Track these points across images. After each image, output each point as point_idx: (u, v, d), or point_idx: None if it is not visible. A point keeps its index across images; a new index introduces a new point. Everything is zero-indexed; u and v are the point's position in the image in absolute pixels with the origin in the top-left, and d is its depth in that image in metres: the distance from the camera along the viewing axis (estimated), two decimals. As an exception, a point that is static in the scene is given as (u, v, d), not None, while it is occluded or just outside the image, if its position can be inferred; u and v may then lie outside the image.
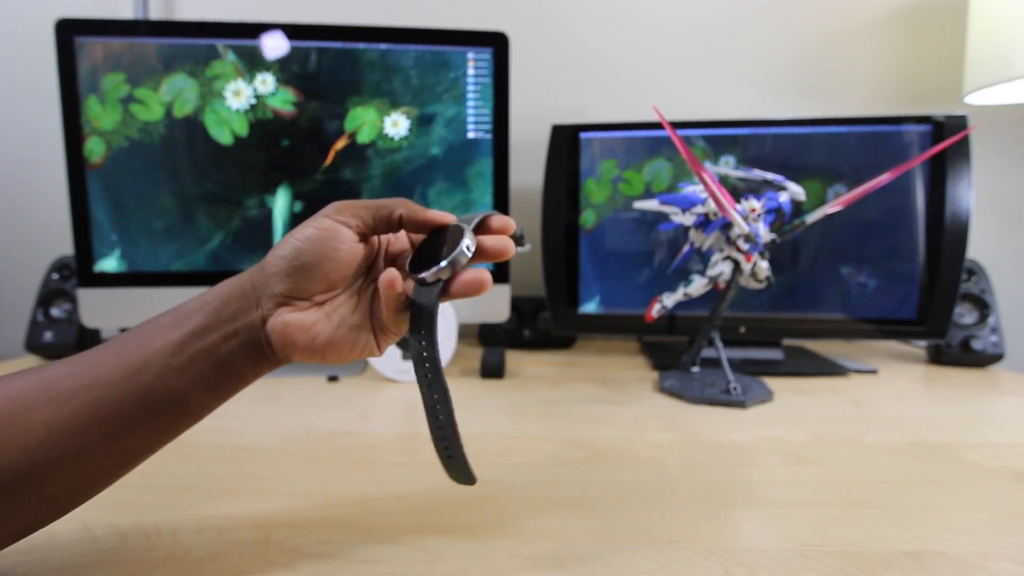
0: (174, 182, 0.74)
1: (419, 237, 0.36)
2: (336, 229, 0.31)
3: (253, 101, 0.74)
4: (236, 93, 0.74)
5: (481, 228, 0.33)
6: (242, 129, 0.74)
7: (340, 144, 0.75)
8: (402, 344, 0.71)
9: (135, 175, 0.73)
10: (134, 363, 0.29)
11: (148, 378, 0.28)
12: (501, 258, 0.33)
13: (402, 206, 0.32)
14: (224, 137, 0.74)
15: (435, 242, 0.32)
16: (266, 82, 0.74)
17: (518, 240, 0.35)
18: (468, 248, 0.31)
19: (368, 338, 0.33)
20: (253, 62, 0.73)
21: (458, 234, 0.31)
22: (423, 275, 0.31)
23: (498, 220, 0.34)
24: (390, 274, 0.30)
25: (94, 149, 0.72)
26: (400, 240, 0.36)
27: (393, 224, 0.33)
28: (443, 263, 0.30)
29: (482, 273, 0.32)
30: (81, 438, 0.27)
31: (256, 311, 0.31)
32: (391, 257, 0.36)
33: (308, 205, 0.76)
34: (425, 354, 0.30)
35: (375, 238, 0.34)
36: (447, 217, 0.33)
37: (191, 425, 0.31)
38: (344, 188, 0.76)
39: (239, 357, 0.31)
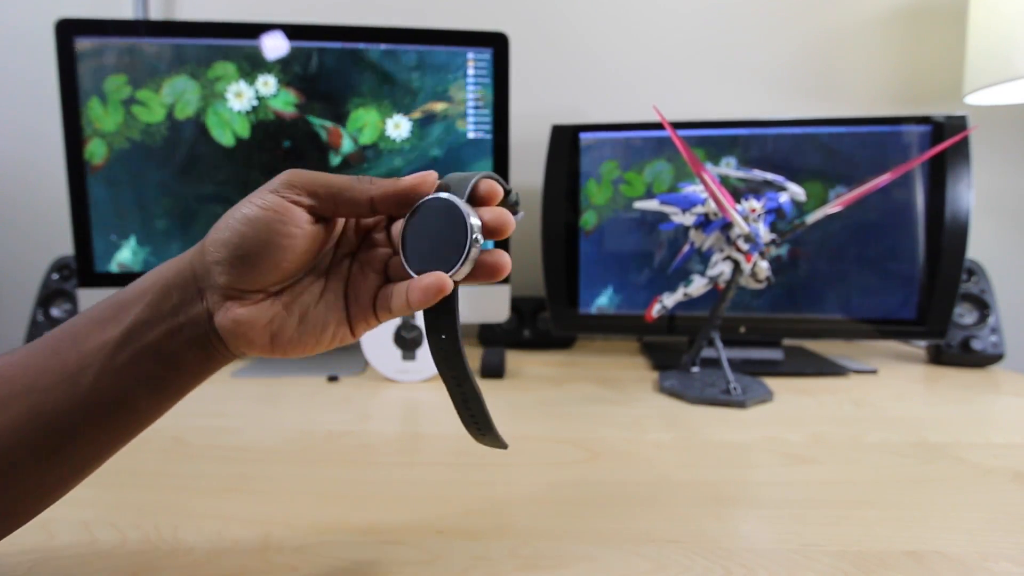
0: (176, 184, 0.74)
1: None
2: (286, 209, 0.26)
3: (255, 103, 0.74)
4: (238, 95, 0.74)
5: (469, 197, 0.28)
6: (244, 131, 0.74)
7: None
8: (402, 345, 0.71)
9: (137, 177, 0.73)
10: (69, 365, 0.25)
11: (87, 381, 0.25)
12: (500, 236, 0.27)
13: (373, 187, 0.27)
14: (226, 139, 0.74)
15: (426, 220, 0.28)
16: (267, 84, 0.74)
17: (512, 208, 0.32)
18: (479, 238, 0.27)
19: (338, 328, 0.29)
20: (254, 64, 0.74)
21: (457, 214, 0.27)
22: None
23: (484, 185, 0.28)
24: (442, 280, 0.26)
25: (96, 151, 0.72)
26: None
27: (365, 209, 0.27)
28: (462, 263, 0.27)
29: (501, 256, 0.27)
30: (21, 451, 0.24)
31: (200, 303, 0.26)
32: (364, 229, 0.31)
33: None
34: (451, 357, 0.28)
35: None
36: (428, 177, 0.28)
37: (145, 427, 0.28)
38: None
39: (187, 354, 0.27)
